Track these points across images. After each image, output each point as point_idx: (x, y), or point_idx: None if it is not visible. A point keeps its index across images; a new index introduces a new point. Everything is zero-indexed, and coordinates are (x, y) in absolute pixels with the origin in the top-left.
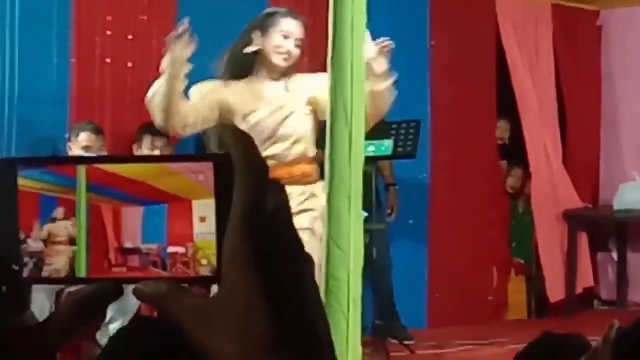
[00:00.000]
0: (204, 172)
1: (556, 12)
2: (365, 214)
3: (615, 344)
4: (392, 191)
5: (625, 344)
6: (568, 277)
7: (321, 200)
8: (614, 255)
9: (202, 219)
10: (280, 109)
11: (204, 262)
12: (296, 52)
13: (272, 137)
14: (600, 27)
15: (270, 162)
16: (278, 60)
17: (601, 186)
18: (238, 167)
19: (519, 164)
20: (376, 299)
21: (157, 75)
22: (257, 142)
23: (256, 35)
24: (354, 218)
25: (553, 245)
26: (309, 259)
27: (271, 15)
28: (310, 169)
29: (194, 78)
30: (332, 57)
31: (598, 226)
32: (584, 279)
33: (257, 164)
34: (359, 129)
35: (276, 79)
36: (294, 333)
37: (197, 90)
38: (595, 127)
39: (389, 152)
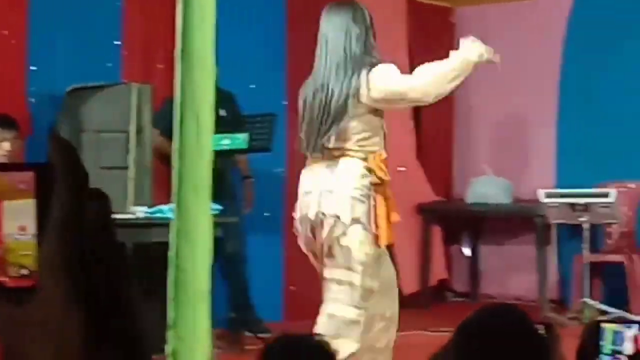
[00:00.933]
0: (26, 180)
1: (411, 8)
2: (220, 207)
3: (458, 332)
4: (247, 184)
5: (468, 331)
6: (422, 270)
7: None
8: (466, 250)
9: (18, 223)
10: None
11: (24, 271)
12: None
13: None
14: (454, 24)
15: None
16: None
17: (454, 180)
18: (59, 175)
19: None
20: (231, 291)
21: (8, 67)
22: None
23: None
24: (202, 211)
25: (407, 238)
26: (126, 265)
27: None
28: None
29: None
30: (182, 49)
31: (451, 219)
32: (438, 271)
33: (77, 173)
34: (208, 121)
35: None
36: (113, 337)
37: None
38: (448, 122)
39: (244, 145)
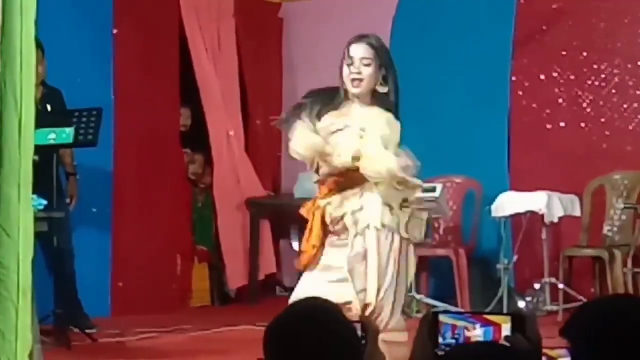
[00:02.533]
0: None
1: (238, 3)
2: (45, 202)
3: (269, 330)
4: (72, 181)
5: (279, 328)
6: (250, 264)
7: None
8: (294, 245)
9: None
10: (346, 127)
11: None
12: (366, 71)
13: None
14: (281, 19)
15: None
16: (350, 87)
17: (283, 175)
18: None
19: (201, 150)
20: (57, 287)
21: None
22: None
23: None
24: (24, 206)
25: (235, 232)
26: None
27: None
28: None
29: None
30: (2, 43)
31: (280, 214)
32: (267, 266)
33: None
34: (29, 116)
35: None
36: None
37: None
38: (276, 116)
39: (70, 140)
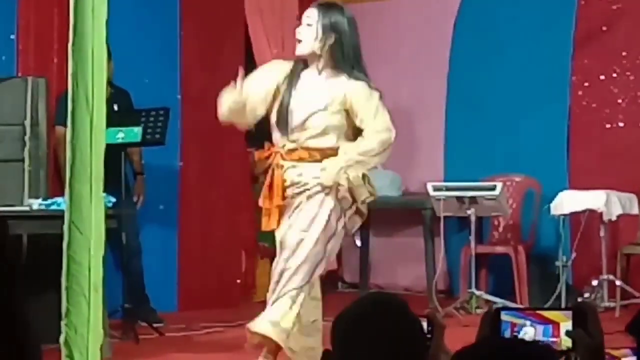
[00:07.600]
0: None
1: (303, 3)
2: (114, 199)
3: (336, 322)
4: (139, 180)
5: (344, 321)
6: None
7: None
8: (357, 241)
9: None
10: (310, 103)
11: None
12: (305, 33)
13: (300, 126)
14: None
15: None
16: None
17: None
18: None
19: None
20: (126, 282)
21: None
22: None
23: None
24: (95, 203)
25: None
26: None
27: None
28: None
29: None
30: (74, 43)
31: None
32: (328, 262)
33: None
34: (100, 115)
35: (317, 72)
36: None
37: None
38: None
39: (138, 138)
